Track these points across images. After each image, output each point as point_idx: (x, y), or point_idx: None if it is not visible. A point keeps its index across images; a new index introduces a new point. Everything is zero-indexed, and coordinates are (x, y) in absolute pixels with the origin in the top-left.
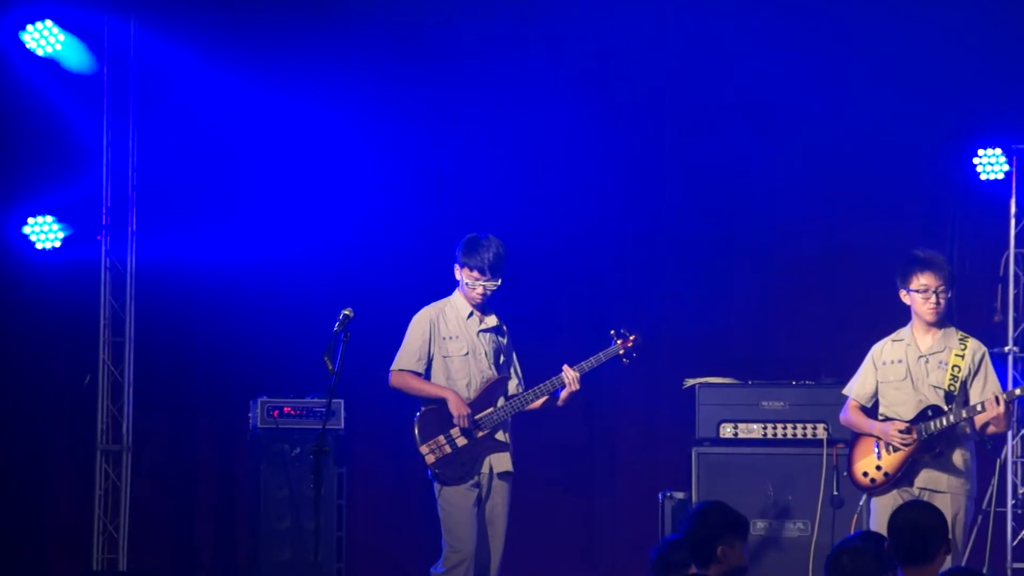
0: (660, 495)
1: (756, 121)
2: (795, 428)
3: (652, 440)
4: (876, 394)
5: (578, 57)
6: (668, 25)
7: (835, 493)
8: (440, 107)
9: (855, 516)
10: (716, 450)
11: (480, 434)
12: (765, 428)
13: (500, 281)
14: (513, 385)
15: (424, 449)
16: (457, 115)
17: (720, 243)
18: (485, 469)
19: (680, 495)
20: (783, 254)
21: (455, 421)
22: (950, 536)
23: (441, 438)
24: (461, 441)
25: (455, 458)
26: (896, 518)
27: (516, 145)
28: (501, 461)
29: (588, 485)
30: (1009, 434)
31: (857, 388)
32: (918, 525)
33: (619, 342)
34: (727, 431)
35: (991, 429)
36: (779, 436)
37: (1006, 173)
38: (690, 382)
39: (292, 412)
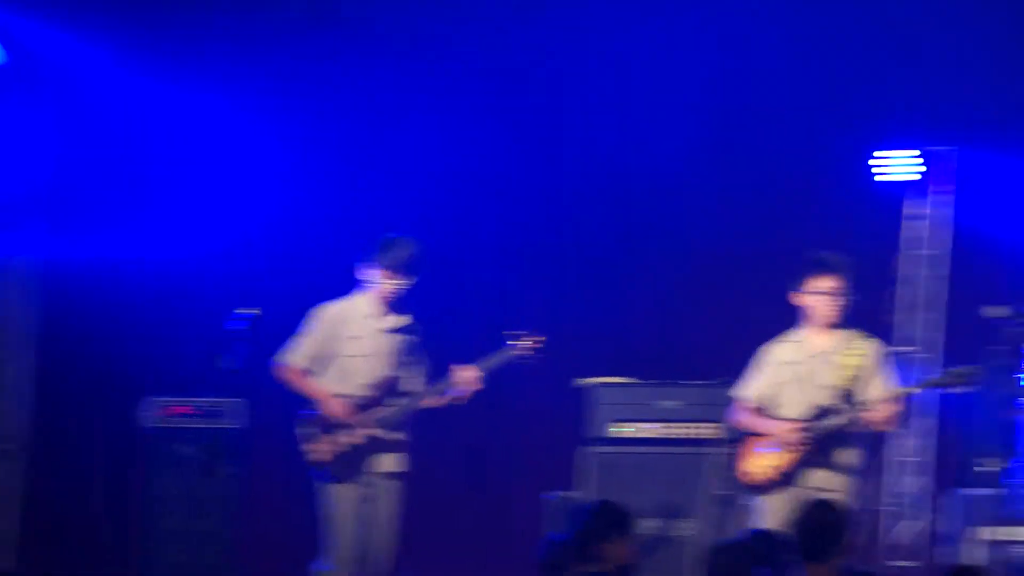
0: (552, 495)
1: (653, 120)
2: (687, 428)
3: (545, 439)
4: (768, 394)
5: (474, 57)
6: (565, 24)
7: (726, 492)
8: (343, 108)
9: (743, 515)
10: (608, 449)
11: (368, 433)
12: (658, 428)
13: (414, 280)
14: (415, 384)
15: (309, 447)
16: (360, 116)
17: (616, 243)
18: (372, 468)
19: (572, 494)
20: (679, 254)
21: (338, 419)
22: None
23: (327, 436)
24: (348, 440)
25: (341, 457)
26: (802, 515)
27: (417, 145)
28: (389, 461)
29: (480, 485)
30: (895, 433)
31: (749, 388)
32: (820, 522)
33: (521, 342)
34: (620, 430)
35: (884, 427)
36: (671, 436)
37: (908, 175)
38: (583, 381)
39: (187, 411)
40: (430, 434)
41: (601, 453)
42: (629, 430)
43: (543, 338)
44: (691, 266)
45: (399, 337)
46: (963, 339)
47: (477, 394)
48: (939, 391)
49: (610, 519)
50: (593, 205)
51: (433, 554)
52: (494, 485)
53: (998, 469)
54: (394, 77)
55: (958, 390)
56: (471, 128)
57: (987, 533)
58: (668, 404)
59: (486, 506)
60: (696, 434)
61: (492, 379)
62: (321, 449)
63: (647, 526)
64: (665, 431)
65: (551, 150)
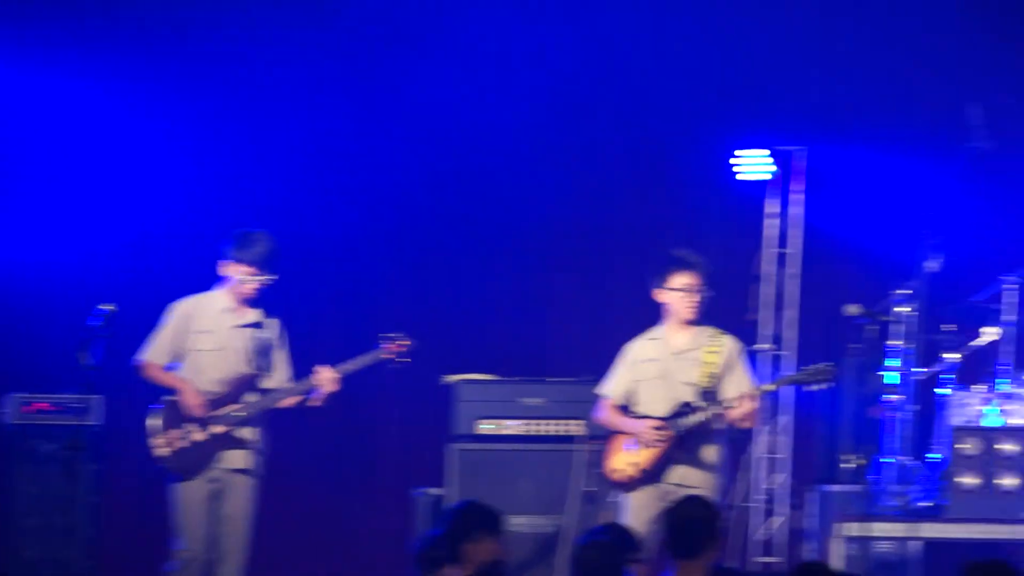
0: (417, 492)
1: (520, 122)
2: (552, 425)
3: (410, 437)
4: (632, 391)
5: (335, 56)
6: (418, 22)
7: (590, 489)
8: (204, 104)
9: (608, 512)
10: (474, 446)
11: (219, 430)
12: (522, 425)
13: (275, 276)
14: (275, 382)
15: (157, 442)
16: (221, 112)
17: (480, 241)
18: (221, 465)
19: (438, 492)
20: (542, 252)
21: (189, 413)
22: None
23: (176, 432)
24: (198, 436)
25: (189, 453)
26: (670, 512)
27: (282, 144)
28: (239, 458)
29: (345, 483)
30: (758, 430)
31: (612, 386)
32: (691, 519)
33: (388, 345)
34: (485, 427)
35: (743, 424)
36: (536, 433)
37: (764, 173)
38: (449, 378)
39: (46, 408)
40: (298, 432)
41: (467, 450)
42: (494, 427)
43: (410, 341)
44: (555, 263)
45: (253, 333)
46: (821, 337)
47: (347, 393)
48: (797, 388)
49: (476, 518)
50: (459, 204)
51: (302, 553)
52: (363, 483)
53: (861, 465)
54: (253, 75)
55: (815, 387)
56: (336, 127)
57: (851, 529)
58: (533, 401)
59: (355, 504)
60: (561, 431)
61: (362, 377)
62: (162, 444)
63: (514, 523)
64: (530, 428)
65: (414, 149)
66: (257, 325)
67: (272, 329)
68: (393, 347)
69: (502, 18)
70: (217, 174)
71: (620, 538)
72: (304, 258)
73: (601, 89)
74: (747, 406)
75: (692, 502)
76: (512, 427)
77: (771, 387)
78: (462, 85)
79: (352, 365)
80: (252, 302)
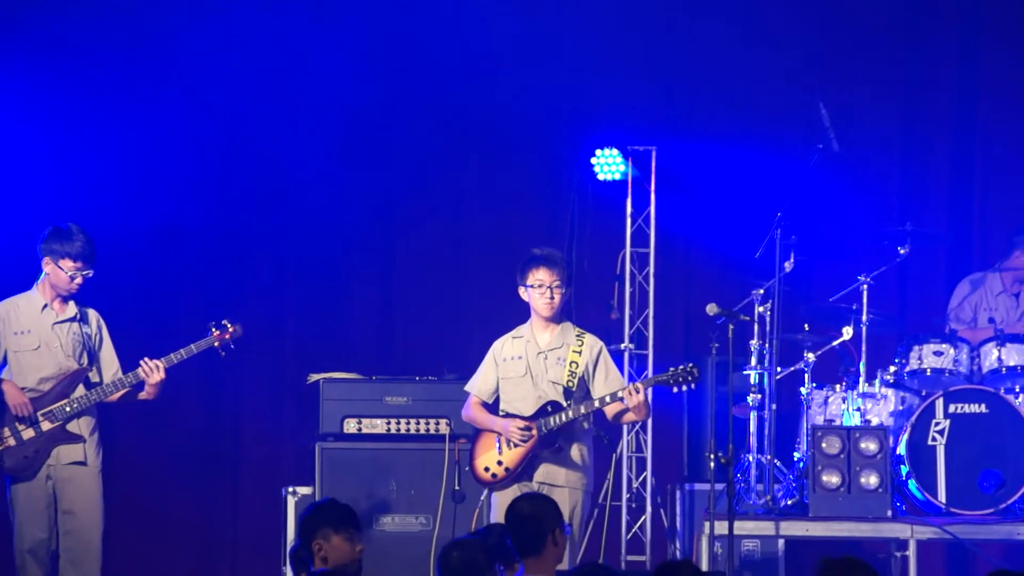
0: (284, 491)
1: (379, 118)
2: (418, 423)
3: (276, 435)
4: (497, 390)
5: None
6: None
7: (457, 488)
8: (36, 99)
9: (476, 511)
10: (340, 445)
11: (49, 426)
12: (388, 423)
13: (88, 270)
14: (102, 375)
15: None
16: (53, 106)
17: (344, 239)
18: (54, 461)
19: (305, 490)
20: (408, 250)
21: (13, 411)
22: (567, 525)
23: (5, 430)
24: (27, 433)
25: (20, 450)
26: (510, 510)
27: (111, 138)
28: (74, 452)
29: (211, 481)
30: (624, 429)
31: (479, 384)
32: (529, 515)
33: (216, 332)
34: (351, 426)
35: (629, 417)
36: (402, 431)
37: (623, 174)
38: (314, 377)
39: None
40: (164, 431)
41: (333, 449)
42: (360, 426)
43: (239, 328)
44: (421, 263)
45: (72, 328)
46: (681, 336)
47: (206, 388)
48: (663, 388)
49: (323, 516)
50: (321, 201)
51: (171, 552)
52: (231, 482)
53: (725, 464)
54: (87, 72)
55: (680, 388)
56: (174, 123)
57: (716, 528)
58: (399, 400)
59: (223, 503)
60: (427, 430)
61: (220, 374)
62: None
63: (382, 522)
64: (396, 427)
65: (265, 147)
66: (77, 319)
67: (93, 323)
68: (222, 334)
69: (370, 15)
70: (56, 169)
71: (491, 538)
72: (157, 255)
73: (464, 90)
74: (636, 399)
75: (529, 498)
76: (378, 426)
77: (638, 386)
78: (325, 77)
79: (178, 355)
80: (69, 297)
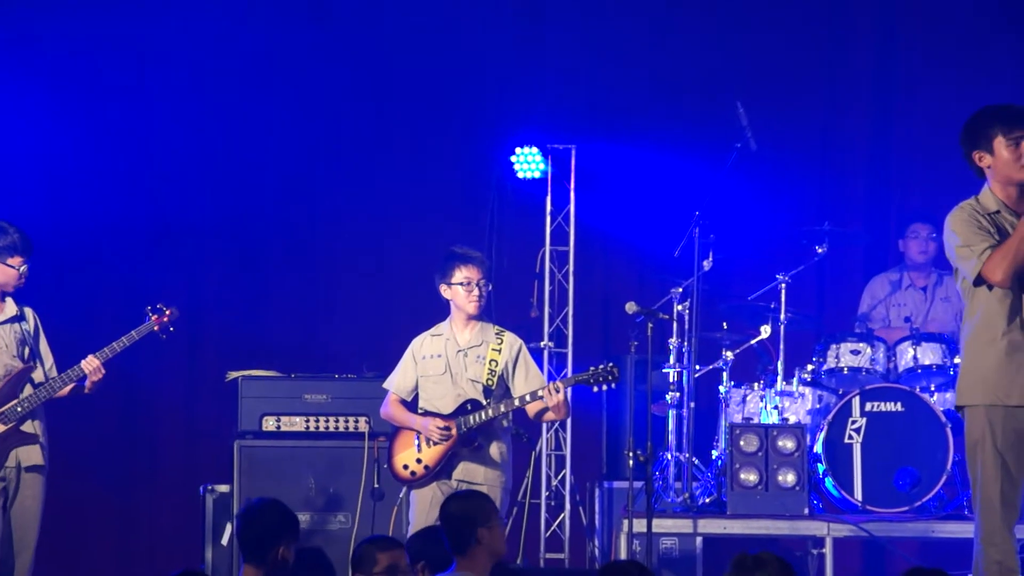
0: (202, 488)
1: (298, 118)
2: (337, 421)
3: (195, 433)
4: (416, 388)
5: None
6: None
7: (376, 486)
8: None
9: (395, 508)
10: (259, 443)
11: (2, 428)
12: (308, 421)
13: (21, 267)
14: (41, 373)
15: None
16: None
17: (262, 236)
18: (11, 463)
19: (223, 488)
20: (326, 248)
21: None
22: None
23: None
24: None
25: None
26: (443, 509)
27: (41, 132)
28: (29, 454)
29: (131, 479)
30: (544, 427)
31: (398, 382)
32: (453, 514)
33: (154, 317)
34: (270, 424)
35: (549, 416)
36: (321, 429)
37: (542, 172)
38: (233, 375)
39: None
40: (83, 428)
41: (252, 447)
42: (279, 424)
43: (175, 311)
44: (340, 260)
45: (15, 328)
46: (600, 334)
47: (121, 386)
48: (583, 387)
49: (283, 520)
50: (239, 197)
51: (89, 549)
52: (149, 479)
53: (643, 462)
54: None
55: (600, 388)
56: (110, 117)
57: (635, 525)
58: (318, 398)
59: (141, 500)
60: (346, 427)
61: (138, 372)
62: None
63: (301, 520)
64: (315, 425)
65: (192, 141)
66: (16, 318)
67: (31, 320)
68: (160, 318)
69: (288, 16)
70: None
71: (418, 537)
72: (86, 251)
73: (384, 87)
74: (556, 398)
75: (455, 499)
76: (297, 424)
77: (558, 385)
78: (250, 76)
79: (120, 343)
80: (7, 295)
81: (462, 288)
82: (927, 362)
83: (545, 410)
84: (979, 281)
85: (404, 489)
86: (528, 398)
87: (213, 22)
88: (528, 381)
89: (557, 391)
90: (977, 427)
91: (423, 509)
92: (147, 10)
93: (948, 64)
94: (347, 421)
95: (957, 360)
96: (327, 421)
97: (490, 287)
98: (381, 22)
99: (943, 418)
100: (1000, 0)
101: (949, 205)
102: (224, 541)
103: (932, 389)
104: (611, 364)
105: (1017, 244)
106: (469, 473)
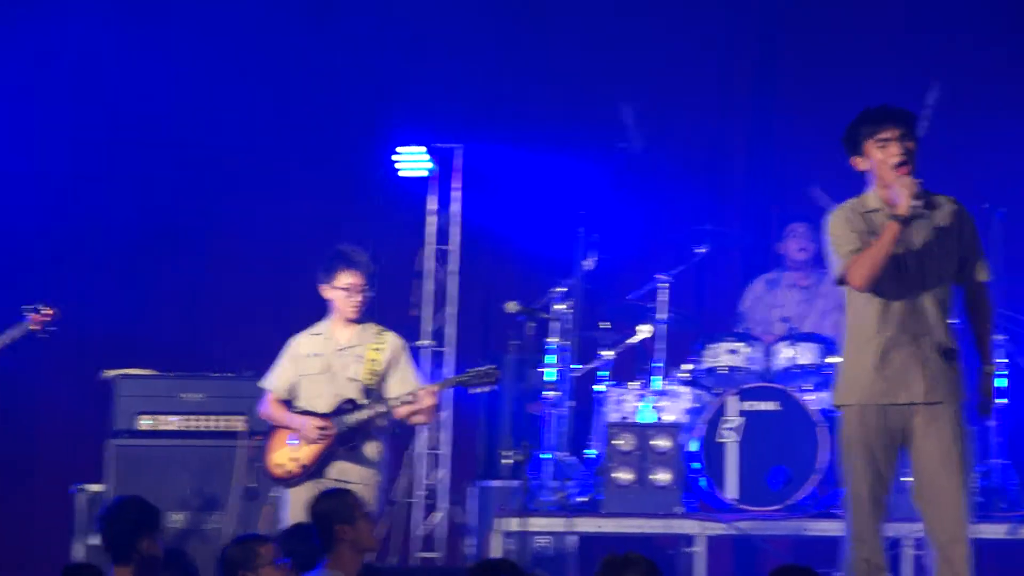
0: (74, 488)
1: (179, 116)
2: (213, 420)
3: (68, 432)
4: (294, 387)
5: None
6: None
7: (252, 485)
8: None
9: (270, 508)
10: (134, 442)
11: None
12: (184, 420)
13: None
14: None
15: None
16: None
17: (142, 234)
18: None
19: (97, 488)
20: (206, 246)
21: None
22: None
23: None
24: None
25: None
26: (310, 508)
27: None
28: None
29: (2, 478)
30: (422, 426)
31: (275, 380)
32: (317, 513)
33: (33, 316)
34: (145, 423)
35: (418, 420)
36: (198, 428)
37: (427, 171)
38: (108, 373)
39: None
40: None
41: (126, 446)
42: (154, 423)
43: (56, 310)
44: (216, 258)
45: None
46: (481, 333)
47: (2, 385)
48: (462, 389)
49: (141, 515)
50: (117, 194)
51: None
52: (20, 478)
53: (520, 461)
54: None
55: (480, 390)
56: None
57: (509, 524)
58: (193, 396)
59: (12, 500)
60: (222, 427)
61: (9, 369)
62: None
63: (174, 519)
64: (191, 424)
65: (76, 136)
66: None
67: None
68: (39, 317)
69: (170, 14)
70: None
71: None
72: None
73: (267, 85)
74: (425, 402)
75: (320, 498)
76: (172, 422)
77: (435, 388)
78: (119, 80)
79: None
80: None
81: (344, 292)
82: (803, 362)
83: (415, 414)
84: (842, 282)
85: (279, 488)
86: (399, 401)
87: (94, 20)
88: (403, 383)
89: (428, 396)
90: (850, 426)
91: (297, 508)
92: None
93: (827, 64)
94: (224, 420)
95: (833, 360)
96: (202, 420)
97: (372, 291)
98: (268, 19)
99: (817, 417)
100: (876, 5)
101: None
102: None
103: (808, 389)
104: (492, 366)
105: (878, 250)
106: (344, 472)
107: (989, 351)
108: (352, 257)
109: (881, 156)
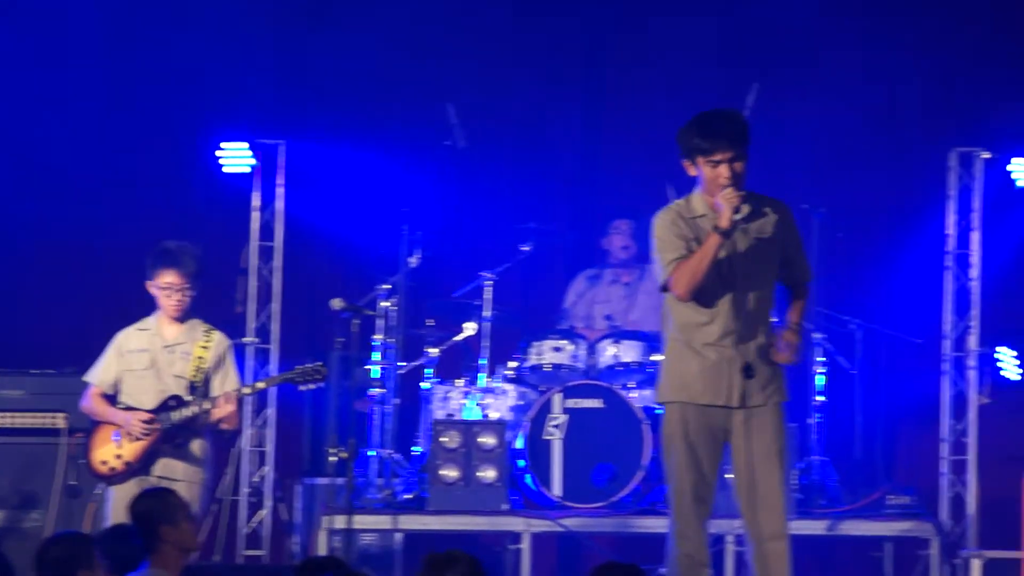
0: None
1: (2, 110)
2: (33, 417)
3: None
4: (119, 381)
5: None
6: None
7: (73, 483)
8: None
9: (92, 505)
10: None
11: None
12: (3, 417)
13: None
14: None
15: None
16: None
17: None
18: None
19: None
20: (25, 240)
21: None
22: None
23: None
24: None
25: None
26: (131, 508)
27: None
28: None
29: None
30: (247, 423)
31: (100, 375)
32: (139, 513)
33: None
34: None
35: (224, 426)
36: (17, 425)
37: (250, 167)
38: None
39: None
40: None
41: None
42: None
43: None
44: (41, 252)
45: None
46: (306, 330)
47: None
48: (288, 386)
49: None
50: None
51: None
52: None
53: (346, 459)
54: None
55: (306, 387)
56: None
57: (335, 522)
58: (13, 393)
59: None
60: (43, 424)
61: None
62: None
63: None
64: (10, 421)
65: None
66: None
67: None
68: None
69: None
70: None
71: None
72: None
73: (90, 82)
74: (228, 407)
75: (141, 497)
76: None
77: (261, 385)
78: None
79: None
80: None
81: (163, 291)
82: (627, 359)
83: (223, 417)
84: (666, 289)
85: (103, 485)
86: (219, 399)
87: None
88: (224, 385)
89: (231, 401)
90: (672, 423)
91: (121, 506)
92: None
93: (651, 64)
94: (44, 417)
95: (656, 358)
96: (23, 417)
97: (195, 291)
98: (91, 15)
99: (641, 415)
100: (699, 5)
101: (652, 204)
102: None
103: (632, 386)
104: (319, 363)
105: (699, 261)
106: (169, 469)
107: (796, 324)
108: (173, 256)
109: (711, 175)
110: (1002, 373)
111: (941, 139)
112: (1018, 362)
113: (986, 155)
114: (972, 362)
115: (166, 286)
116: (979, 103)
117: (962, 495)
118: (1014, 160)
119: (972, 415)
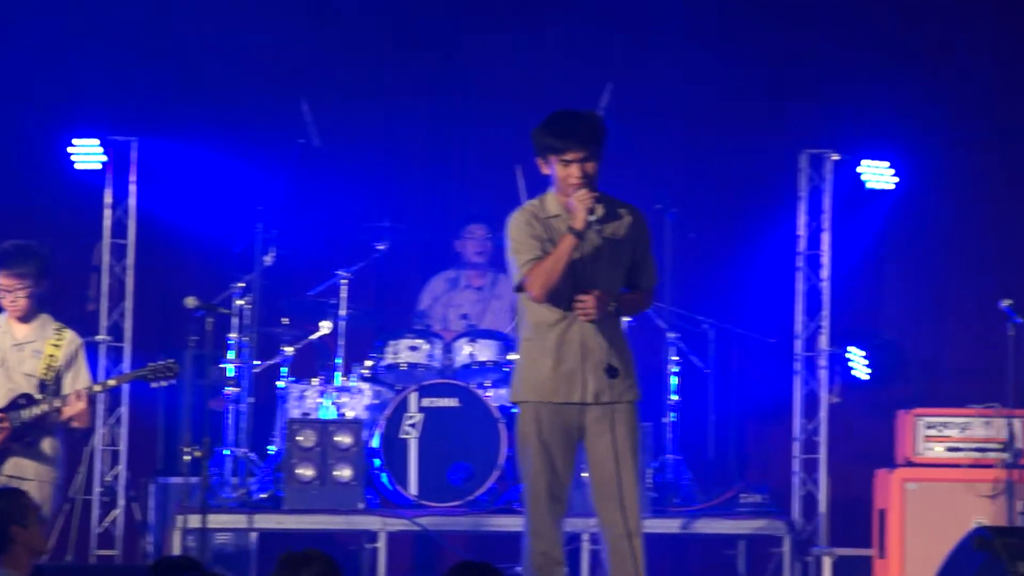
0: None
1: None
2: None
3: None
4: None
5: None
6: None
7: None
8: None
9: None
10: None
11: None
12: None
13: None
14: None
15: None
16: None
17: None
18: None
19: None
20: None
21: None
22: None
23: None
24: None
25: None
26: None
27: None
28: None
29: None
30: (99, 422)
31: None
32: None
33: None
34: None
35: (75, 424)
36: None
37: (102, 164)
38: None
39: None
40: None
41: None
42: None
43: None
44: None
45: None
46: (159, 328)
47: None
48: (140, 384)
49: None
50: None
51: None
52: None
53: (200, 457)
54: None
55: (159, 384)
56: None
57: (189, 521)
58: None
59: None
60: None
61: None
62: None
63: None
64: None
65: None
66: None
67: None
68: None
69: None
70: None
71: None
72: None
73: None
74: (79, 406)
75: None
76: None
77: (112, 383)
78: None
79: None
80: None
81: (2, 292)
82: (483, 359)
83: (74, 415)
84: (520, 290)
85: None
86: (69, 398)
87: None
88: (75, 383)
89: (82, 399)
90: (526, 423)
91: None
92: None
93: (507, 64)
94: None
95: (511, 357)
96: None
97: (38, 287)
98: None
99: (497, 414)
100: (555, 3)
101: (506, 207)
102: None
103: (488, 385)
104: (171, 360)
105: (554, 263)
106: (19, 468)
107: (620, 298)
108: (6, 256)
109: (563, 174)
110: (852, 373)
111: (792, 141)
112: (867, 362)
113: (836, 157)
114: (823, 362)
115: (3, 287)
116: (829, 105)
117: (813, 493)
118: (864, 162)
119: (823, 414)
